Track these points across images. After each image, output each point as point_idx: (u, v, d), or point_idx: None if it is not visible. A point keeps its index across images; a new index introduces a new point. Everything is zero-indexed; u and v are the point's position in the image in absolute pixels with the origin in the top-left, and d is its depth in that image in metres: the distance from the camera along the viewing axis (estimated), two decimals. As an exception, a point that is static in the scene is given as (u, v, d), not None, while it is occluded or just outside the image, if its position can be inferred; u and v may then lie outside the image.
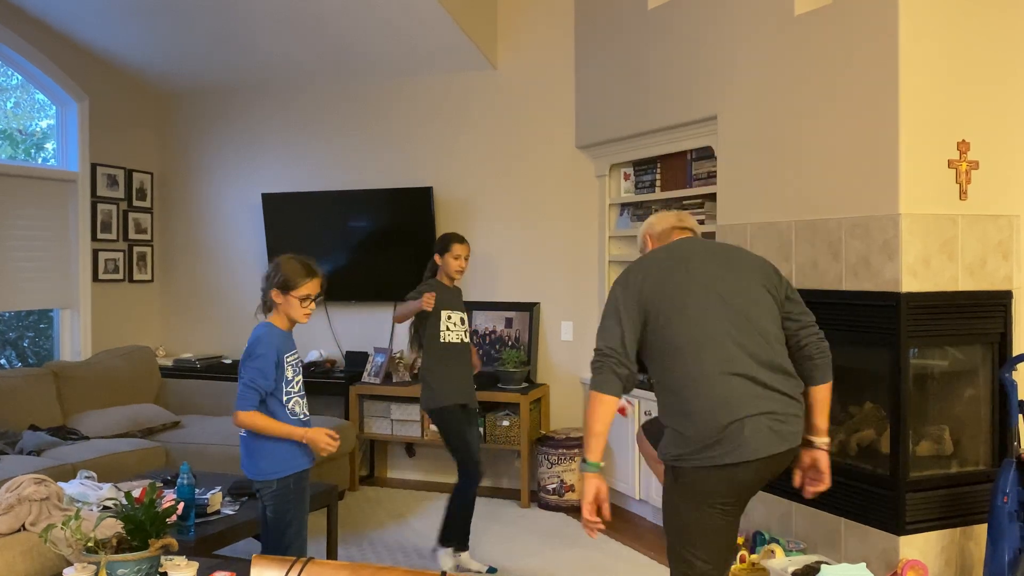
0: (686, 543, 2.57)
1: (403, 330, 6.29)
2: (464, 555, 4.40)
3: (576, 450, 5.43)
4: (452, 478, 6.15)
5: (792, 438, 2.58)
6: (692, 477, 2.54)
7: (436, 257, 4.44)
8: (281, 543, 3.20)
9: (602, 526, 2.60)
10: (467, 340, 4.44)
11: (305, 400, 3.32)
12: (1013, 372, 3.45)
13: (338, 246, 6.29)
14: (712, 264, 2.64)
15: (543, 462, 5.47)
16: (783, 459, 2.57)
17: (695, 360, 2.53)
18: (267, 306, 3.28)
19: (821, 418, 2.70)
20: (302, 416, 3.27)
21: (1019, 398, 3.42)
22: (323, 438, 3.17)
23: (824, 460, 2.71)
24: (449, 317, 4.35)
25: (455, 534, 4.36)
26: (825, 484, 2.73)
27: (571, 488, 5.42)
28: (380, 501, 5.64)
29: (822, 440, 2.70)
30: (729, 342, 2.53)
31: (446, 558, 4.35)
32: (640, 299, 2.60)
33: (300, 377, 3.31)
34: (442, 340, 4.33)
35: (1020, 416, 3.41)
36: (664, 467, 2.67)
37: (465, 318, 4.45)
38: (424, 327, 4.37)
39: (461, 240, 4.44)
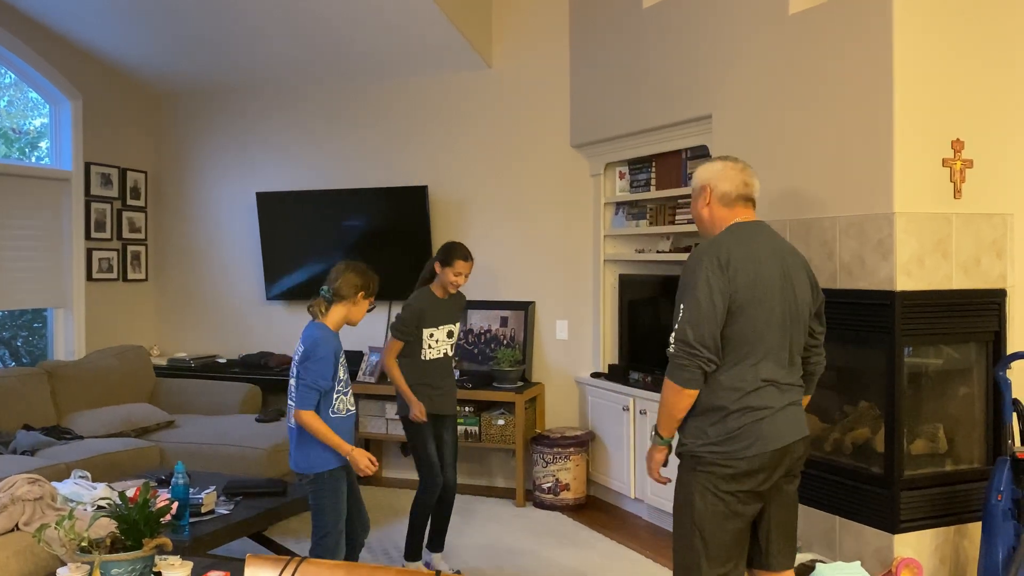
0: (697, 536, 2.61)
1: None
2: (414, 564, 4.30)
3: (572, 449, 5.43)
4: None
5: (803, 428, 2.71)
6: (712, 468, 2.59)
7: (436, 265, 4.27)
8: (319, 529, 3.45)
9: (670, 479, 2.78)
10: (451, 353, 4.35)
11: (350, 394, 3.55)
12: (1007, 370, 3.46)
13: (333, 245, 6.28)
14: (781, 271, 2.66)
15: (538, 461, 5.47)
16: (798, 448, 2.67)
17: (746, 366, 2.60)
18: (322, 307, 3.48)
19: None
20: (345, 413, 3.49)
21: (1013, 396, 3.42)
22: (364, 461, 3.40)
23: None
24: (432, 335, 4.26)
25: (412, 545, 4.28)
26: None
27: (566, 487, 5.42)
28: (375, 501, 5.63)
29: None
30: (779, 353, 2.64)
31: (439, 562, 4.38)
32: (729, 290, 2.56)
33: (347, 374, 3.56)
34: (423, 358, 4.26)
35: (1014, 414, 3.41)
36: (682, 457, 2.69)
37: (454, 330, 4.36)
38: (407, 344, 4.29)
39: (466, 257, 4.25)
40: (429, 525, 4.35)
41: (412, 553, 4.29)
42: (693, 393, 2.58)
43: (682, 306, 2.58)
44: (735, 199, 2.75)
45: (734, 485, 2.59)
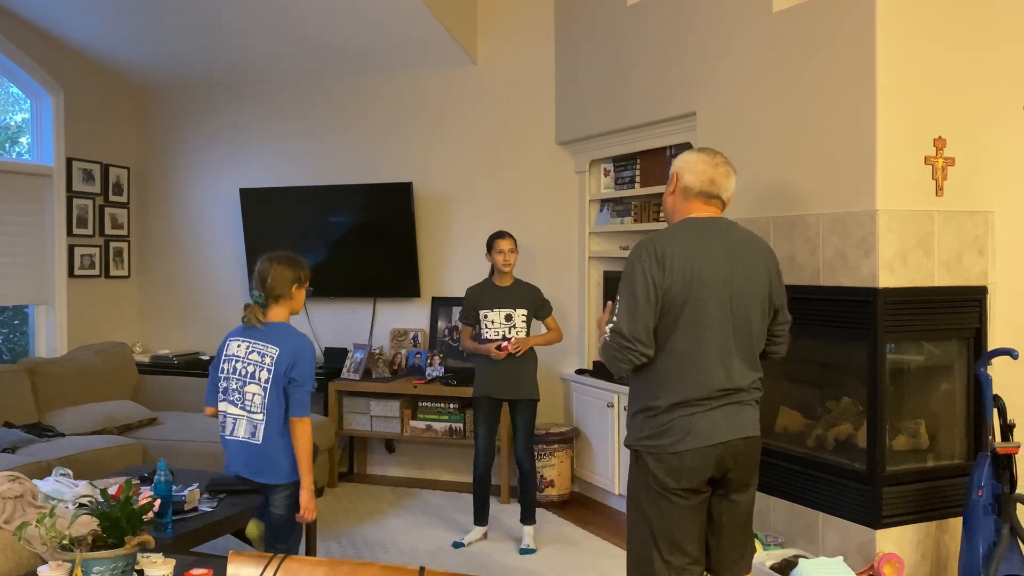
0: (647, 530, 2.60)
1: (383, 327, 6.29)
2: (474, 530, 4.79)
3: (556, 445, 5.45)
4: (431, 473, 6.16)
5: (747, 427, 2.63)
6: (648, 462, 2.58)
7: (487, 258, 4.75)
8: (292, 535, 3.36)
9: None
10: (512, 335, 4.64)
11: None
12: (988, 367, 3.48)
13: (317, 241, 6.26)
14: (727, 271, 2.59)
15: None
16: (736, 445, 2.60)
17: (683, 365, 2.56)
18: (258, 314, 3.29)
19: None
20: None
21: (993, 392, 3.45)
22: (313, 503, 3.32)
23: None
24: (486, 316, 4.68)
25: (474, 511, 4.80)
26: None
27: (551, 483, 5.42)
28: (360, 497, 5.62)
29: None
30: (720, 354, 2.58)
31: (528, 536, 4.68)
32: (664, 285, 2.53)
33: None
34: (483, 337, 4.69)
35: (995, 410, 3.44)
36: (630, 450, 2.69)
37: (513, 314, 4.67)
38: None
39: (501, 236, 4.73)
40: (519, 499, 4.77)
41: (474, 518, 4.81)
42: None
43: (618, 298, 2.58)
44: (695, 194, 2.71)
45: (671, 481, 2.55)
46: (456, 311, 6.04)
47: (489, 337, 4.65)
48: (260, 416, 3.25)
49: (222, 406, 3.32)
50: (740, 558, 2.72)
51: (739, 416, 2.62)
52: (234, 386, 3.28)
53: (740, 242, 2.67)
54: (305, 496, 3.27)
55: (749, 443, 2.63)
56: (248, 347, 3.29)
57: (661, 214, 5.16)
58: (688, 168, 2.73)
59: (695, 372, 2.56)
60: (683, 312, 2.54)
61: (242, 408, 3.27)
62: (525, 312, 4.68)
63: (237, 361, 3.29)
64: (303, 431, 3.23)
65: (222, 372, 3.33)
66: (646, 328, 2.53)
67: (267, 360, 3.25)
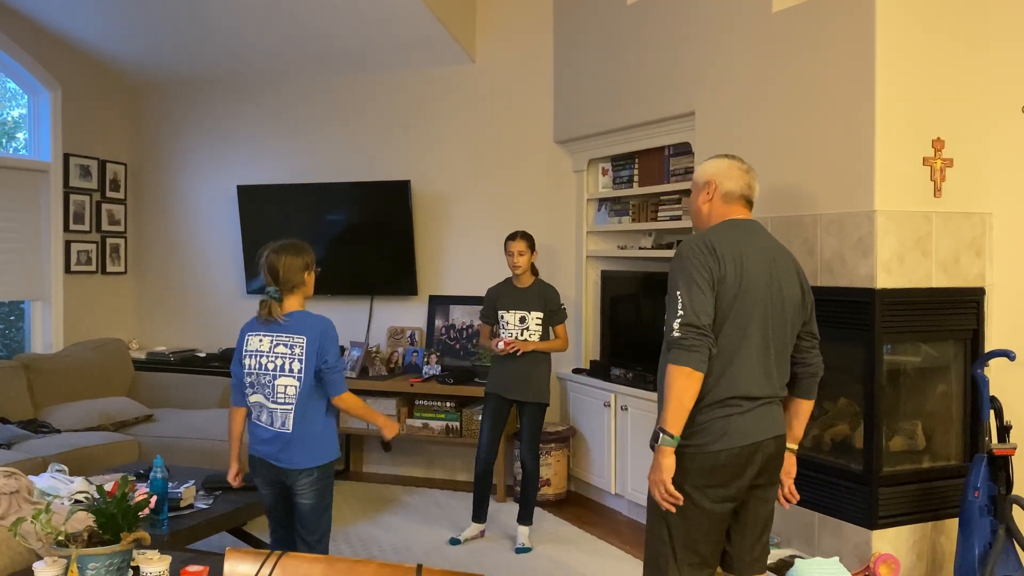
0: (665, 530, 2.60)
1: (380, 326, 6.28)
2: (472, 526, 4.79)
3: (553, 445, 5.43)
4: (428, 472, 6.16)
5: (777, 426, 2.67)
6: (679, 462, 2.57)
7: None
8: (320, 526, 3.32)
9: (680, 499, 2.53)
10: (525, 337, 4.64)
11: None
12: (985, 368, 3.49)
13: (315, 239, 6.22)
14: (768, 271, 2.65)
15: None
16: (769, 445, 2.63)
17: (725, 367, 2.58)
18: (276, 309, 3.29)
19: (801, 428, 2.88)
20: None
21: (990, 394, 3.45)
22: (392, 426, 3.50)
23: (793, 463, 2.89)
24: (502, 316, 4.71)
25: (473, 508, 4.80)
26: (791, 493, 2.89)
27: (547, 483, 5.42)
28: (356, 495, 5.62)
29: (795, 447, 2.89)
30: (757, 354, 2.61)
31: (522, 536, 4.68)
32: (719, 278, 2.57)
33: None
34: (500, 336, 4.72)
35: (991, 412, 3.44)
36: (654, 451, 2.68)
37: (527, 316, 4.66)
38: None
39: (512, 237, 4.71)
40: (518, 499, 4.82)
41: (472, 515, 4.80)
42: (701, 376, 2.50)
43: (679, 292, 2.54)
44: (737, 198, 2.78)
45: (700, 481, 2.56)
46: (453, 309, 6.05)
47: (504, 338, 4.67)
48: (291, 406, 3.23)
49: (254, 398, 3.28)
50: (761, 557, 2.75)
51: (770, 416, 2.66)
52: (264, 381, 3.25)
53: (775, 247, 2.74)
54: (383, 425, 3.46)
55: (778, 441, 2.68)
56: (272, 341, 3.26)
57: (659, 213, 5.16)
58: (725, 175, 2.80)
59: (737, 371, 2.58)
60: (732, 308, 2.57)
61: (274, 401, 3.25)
62: (540, 315, 4.66)
63: (262, 356, 3.26)
64: (351, 400, 3.31)
65: (246, 368, 3.29)
66: (712, 316, 2.54)
67: (297, 350, 3.23)
